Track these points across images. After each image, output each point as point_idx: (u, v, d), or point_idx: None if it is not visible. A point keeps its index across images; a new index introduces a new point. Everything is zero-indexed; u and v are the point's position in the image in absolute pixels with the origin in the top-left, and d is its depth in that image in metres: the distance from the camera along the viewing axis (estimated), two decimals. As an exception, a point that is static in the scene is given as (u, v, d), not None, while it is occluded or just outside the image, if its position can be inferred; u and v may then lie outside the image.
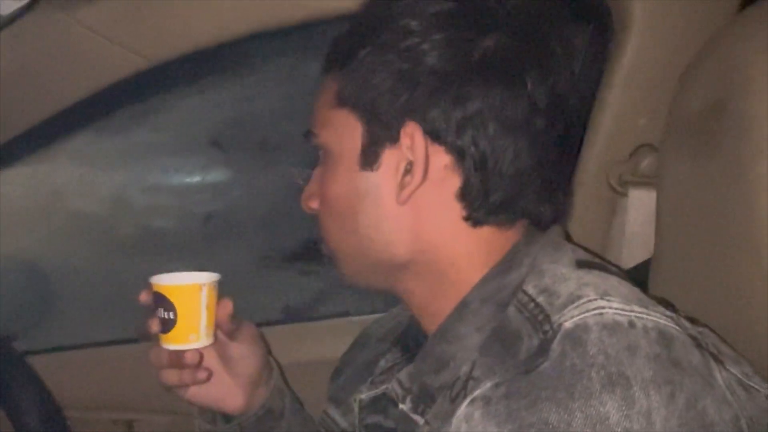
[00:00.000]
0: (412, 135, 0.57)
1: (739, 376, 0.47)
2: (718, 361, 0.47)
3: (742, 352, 0.51)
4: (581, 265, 0.55)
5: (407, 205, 0.58)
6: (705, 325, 0.53)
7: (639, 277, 0.67)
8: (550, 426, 0.44)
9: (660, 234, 0.71)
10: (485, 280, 0.57)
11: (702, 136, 0.61)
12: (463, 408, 0.48)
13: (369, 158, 0.59)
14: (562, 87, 0.57)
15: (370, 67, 0.57)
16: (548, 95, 0.56)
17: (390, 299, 0.70)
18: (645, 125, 0.90)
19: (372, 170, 0.59)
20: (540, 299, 0.51)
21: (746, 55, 0.58)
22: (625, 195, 0.93)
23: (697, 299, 0.60)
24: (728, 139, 0.56)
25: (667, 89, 0.74)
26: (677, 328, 0.48)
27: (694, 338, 0.48)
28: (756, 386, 0.48)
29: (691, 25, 0.88)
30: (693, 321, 0.52)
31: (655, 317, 0.47)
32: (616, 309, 0.47)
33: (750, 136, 0.53)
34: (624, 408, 0.43)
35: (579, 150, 0.94)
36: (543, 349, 0.47)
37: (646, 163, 0.89)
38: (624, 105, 0.91)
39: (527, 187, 0.57)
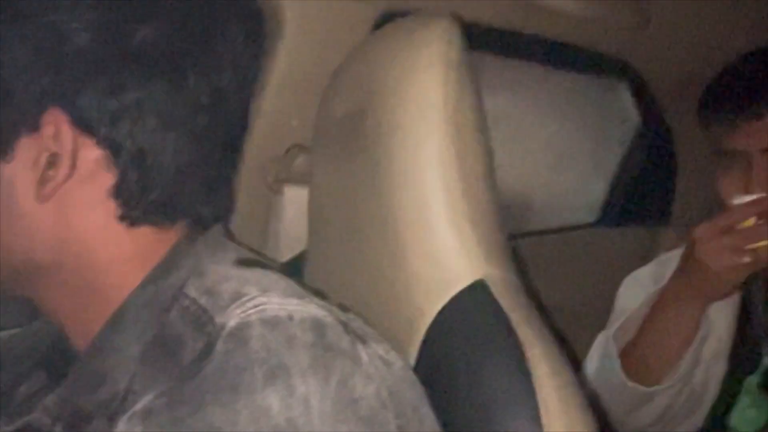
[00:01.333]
0: (57, 123, 0.51)
1: (380, 352, 0.53)
2: (364, 342, 0.52)
3: (387, 328, 0.59)
4: (243, 263, 0.56)
5: (50, 202, 0.52)
6: (351, 310, 0.59)
7: (295, 270, 0.72)
8: (216, 429, 0.43)
9: (311, 229, 0.76)
10: (143, 285, 0.54)
11: (345, 140, 0.68)
12: (121, 426, 0.45)
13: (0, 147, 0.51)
14: (226, 85, 0.57)
15: (4, 39, 0.50)
16: (211, 92, 0.55)
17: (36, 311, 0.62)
18: (297, 126, 0.96)
19: (4, 161, 0.51)
20: (203, 301, 0.50)
21: (380, 67, 0.65)
22: (280, 193, 0.98)
23: (345, 286, 0.66)
24: (367, 143, 0.63)
25: (317, 93, 0.80)
26: (330, 315, 0.51)
27: (343, 323, 0.52)
28: (392, 360, 0.53)
29: (338, 33, 0.96)
30: (343, 307, 0.57)
31: (310, 308, 0.51)
32: (276, 304, 0.49)
33: (385, 141, 0.61)
34: (285, 397, 0.45)
35: (241, 149, 0.96)
36: (207, 351, 0.47)
37: (298, 162, 0.96)
38: (278, 106, 0.95)
39: (188, 186, 0.56)
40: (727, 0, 1.14)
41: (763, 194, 0.91)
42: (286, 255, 0.97)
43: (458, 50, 0.59)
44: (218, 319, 0.48)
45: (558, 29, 1.16)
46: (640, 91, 1.42)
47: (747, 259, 0.89)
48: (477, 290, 0.56)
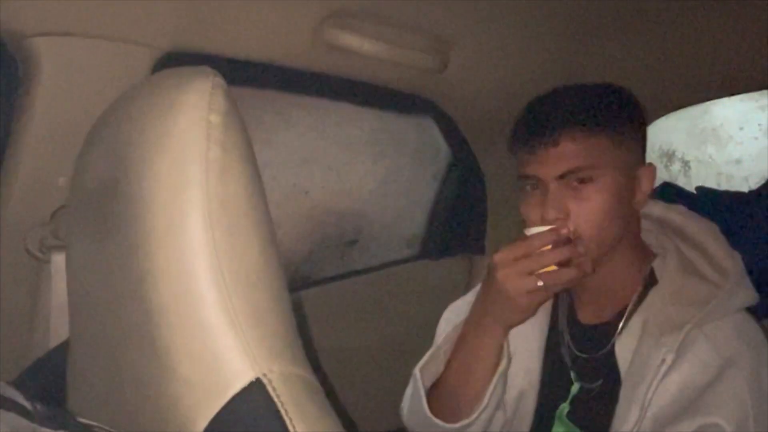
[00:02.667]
0: None
1: None
2: None
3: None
4: None
5: None
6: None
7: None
8: None
9: (71, 315, 0.64)
10: None
11: (100, 213, 0.57)
12: None
13: None
14: None
15: None
16: None
17: None
18: (65, 184, 0.83)
19: None
20: None
21: (137, 129, 0.56)
22: (47, 261, 0.84)
23: (110, 399, 0.55)
24: (121, 221, 0.53)
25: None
26: None
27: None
28: None
29: (109, 77, 0.84)
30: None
31: None
32: None
33: (141, 222, 0.51)
34: None
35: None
36: None
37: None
38: (39, 163, 0.82)
39: None
40: (524, 45, 1.18)
41: (557, 224, 0.95)
42: (57, 335, 0.83)
43: (221, 112, 0.51)
44: None
45: (362, 70, 1.13)
46: (449, 129, 1.43)
47: (540, 283, 0.92)
48: (253, 391, 0.48)
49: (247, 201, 0.51)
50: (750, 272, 0.99)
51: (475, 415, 1.00)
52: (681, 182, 1.31)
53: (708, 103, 1.35)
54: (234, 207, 0.50)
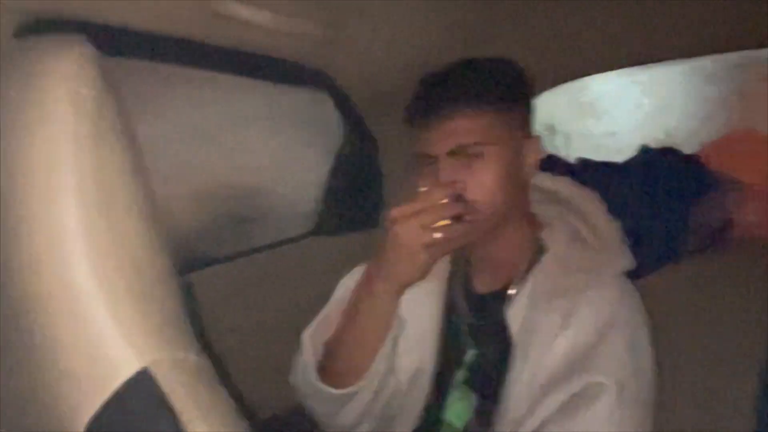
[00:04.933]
0: None
1: None
2: None
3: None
4: None
5: None
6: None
7: None
8: None
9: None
10: None
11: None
12: None
13: None
14: None
15: None
16: None
17: None
18: None
19: None
20: None
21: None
22: None
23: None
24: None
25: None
26: None
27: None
28: None
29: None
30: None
31: None
32: None
33: (11, 207, 0.47)
34: None
35: None
36: None
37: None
38: None
39: None
40: (420, 16, 1.18)
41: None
42: None
43: (92, 84, 0.47)
44: None
45: (253, 41, 1.09)
46: (344, 103, 1.42)
47: (437, 235, 0.93)
48: (140, 382, 0.46)
49: (125, 180, 0.48)
50: (631, 239, 1.05)
51: (363, 381, 1.01)
52: (563, 154, 1.37)
53: (587, 78, 1.41)
54: (110, 187, 0.46)
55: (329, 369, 1.04)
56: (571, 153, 1.42)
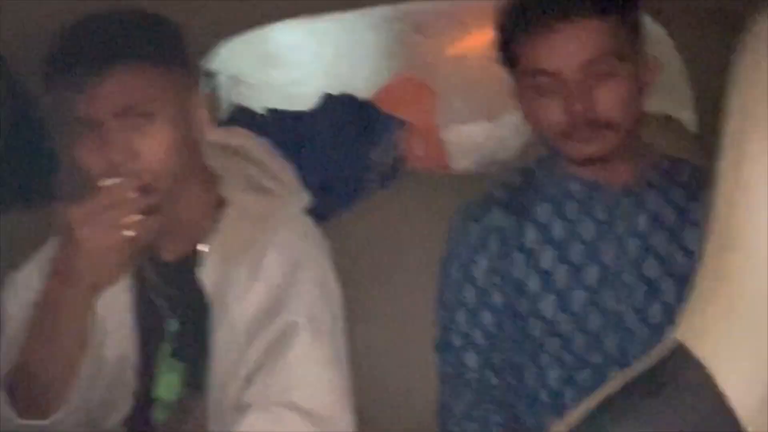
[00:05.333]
0: None
1: None
2: None
3: None
4: None
5: None
6: None
7: None
8: None
9: None
10: None
11: None
12: None
13: None
14: None
15: None
16: None
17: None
18: None
19: None
20: None
21: None
22: None
23: None
24: None
25: None
26: None
27: None
28: None
29: None
30: None
31: None
32: None
33: None
34: None
35: None
36: None
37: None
38: None
39: None
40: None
41: (129, 168, 0.88)
42: None
43: None
44: None
45: None
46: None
47: (128, 233, 0.87)
48: None
49: None
50: (319, 183, 1.10)
51: (68, 404, 0.91)
52: (250, 104, 1.38)
53: (267, 28, 1.42)
54: None
55: (27, 399, 0.91)
56: (258, 103, 1.43)
